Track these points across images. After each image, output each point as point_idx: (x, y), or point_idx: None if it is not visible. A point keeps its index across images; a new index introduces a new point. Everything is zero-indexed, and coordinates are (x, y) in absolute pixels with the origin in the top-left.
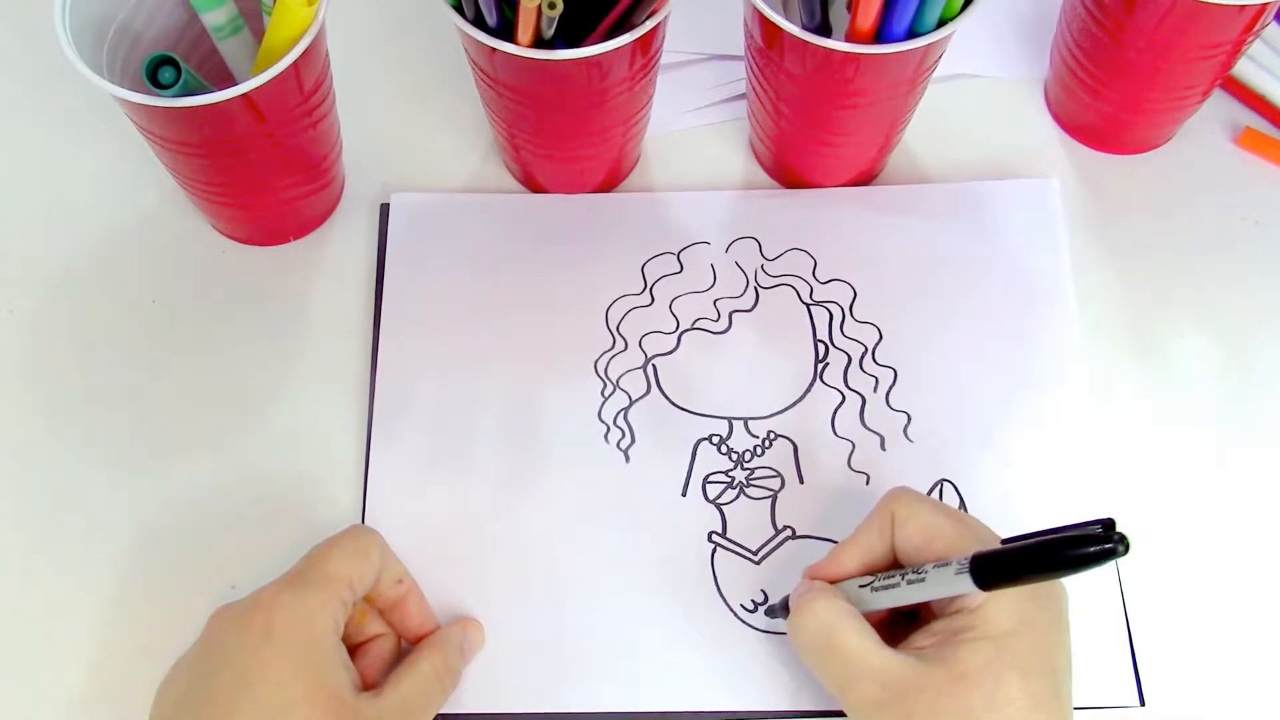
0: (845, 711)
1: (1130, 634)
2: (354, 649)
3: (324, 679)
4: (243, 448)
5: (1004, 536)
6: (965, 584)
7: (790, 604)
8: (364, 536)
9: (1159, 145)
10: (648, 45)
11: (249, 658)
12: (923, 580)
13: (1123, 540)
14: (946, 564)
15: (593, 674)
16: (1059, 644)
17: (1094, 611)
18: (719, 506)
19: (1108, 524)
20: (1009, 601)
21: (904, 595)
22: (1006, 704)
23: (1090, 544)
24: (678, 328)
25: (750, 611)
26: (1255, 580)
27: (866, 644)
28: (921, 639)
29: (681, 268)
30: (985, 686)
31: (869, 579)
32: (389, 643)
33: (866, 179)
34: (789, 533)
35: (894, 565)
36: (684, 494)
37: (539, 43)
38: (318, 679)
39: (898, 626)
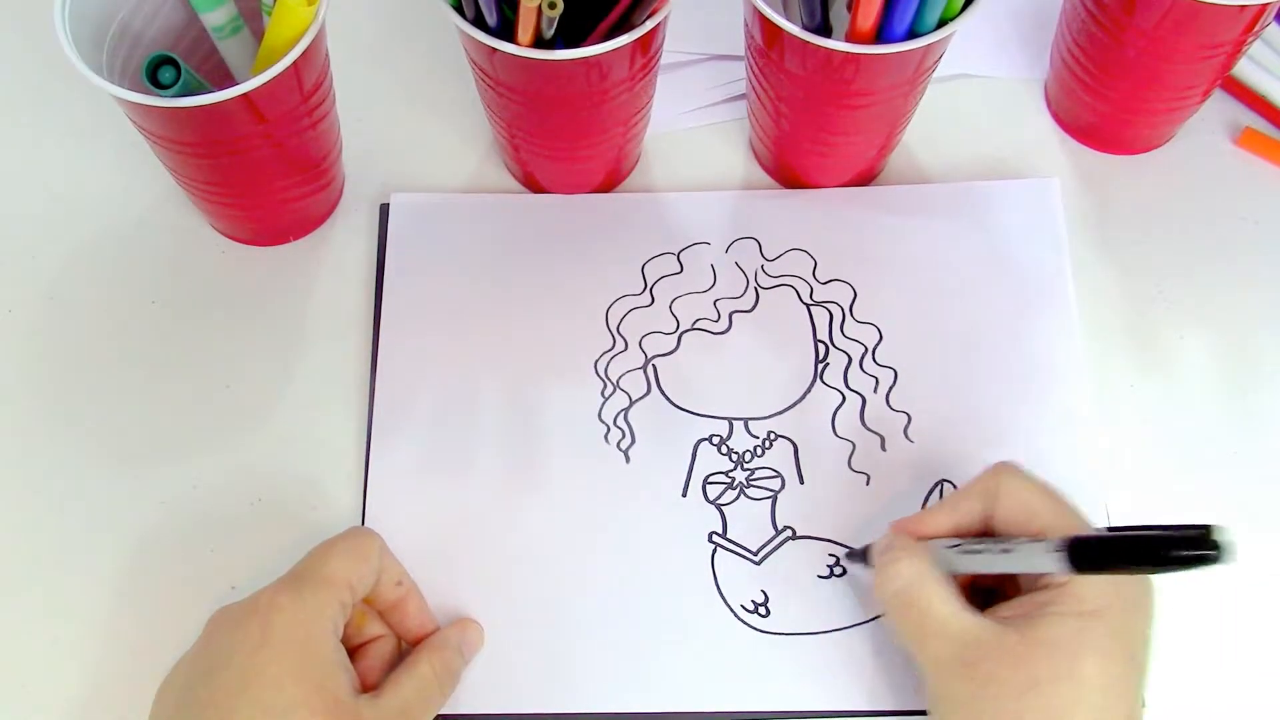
0: (918, 666)
1: None
2: (353, 650)
3: (322, 682)
4: (243, 448)
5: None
6: (1054, 563)
7: (874, 554)
8: (363, 538)
9: (1159, 145)
10: (648, 45)
11: (247, 659)
12: (1011, 552)
13: (1224, 548)
14: (1038, 541)
15: (592, 674)
16: (1140, 635)
17: None
18: (719, 507)
19: (1207, 530)
20: (1098, 584)
21: (991, 563)
22: (1079, 682)
23: (1191, 546)
24: (678, 328)
25: (750, 611)
26: (1255, 580)
27: (951, 605)
28: (1006, 609)
29: (681, 268)
30: (1061, 661)
31: (955, 542)
32: (389, 644)
33: (866, 179)
34: (789, 533)
35: (983, 534)
36: (684, 494)
37: (539, 43)
38: (316, 682)
39: (974, 594)
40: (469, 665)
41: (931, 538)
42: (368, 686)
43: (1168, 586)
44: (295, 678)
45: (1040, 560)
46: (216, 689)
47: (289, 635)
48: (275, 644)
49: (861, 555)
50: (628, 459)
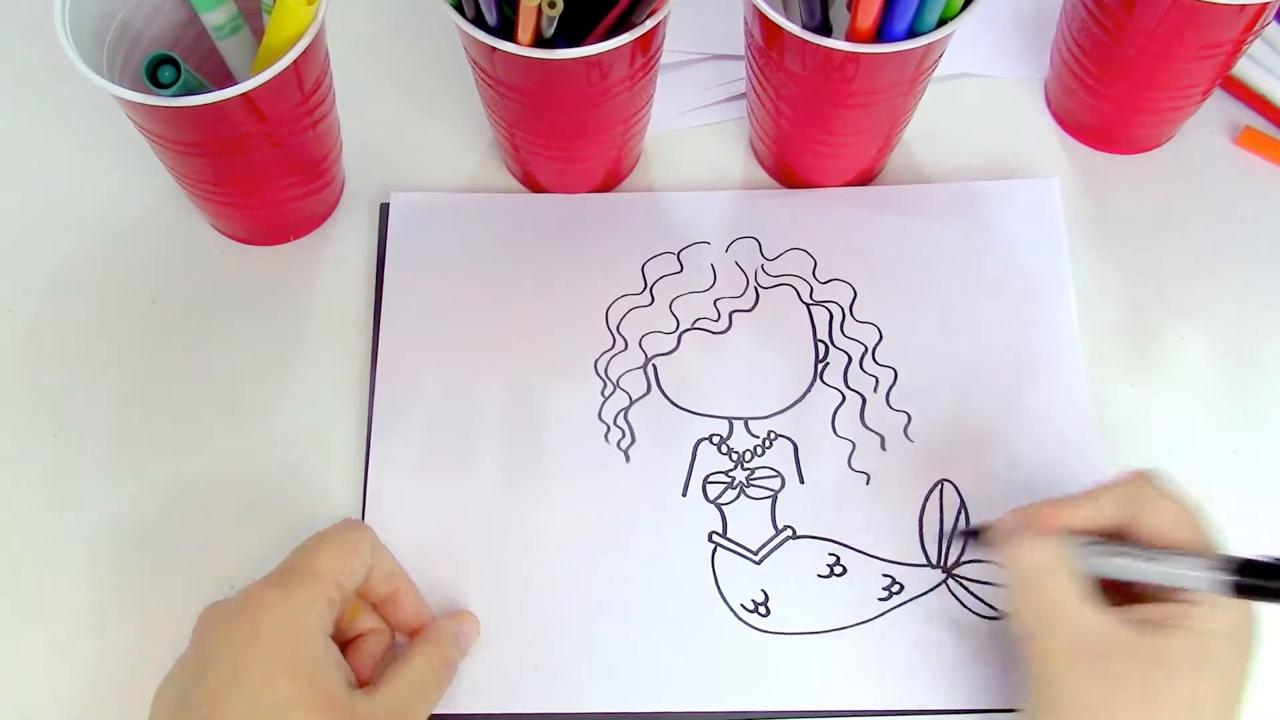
0: (1031, 652)
1: None
2: (346, 644)
3: (314, 678)
4: (242, 447)
5: None
6: (1210, 581)
7: (999, 534)
8: (355, 532)
9: (1159, 145)
10: (648, 45)
11: (238, 657)
12: (1158, 562)
13: None
14: (1193, 556)
15: (593, 674)
16: (1248, 664)
17: None
18: (719, 506)
19: None
20: (1230, 607)
21: (1130, 569)
22: (1196, 701)
23: None
24: (678, 327)
25: (750, 611)
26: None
27: (1087, 599)
28: (1136, 613)
29: (681, 267)
30: (1183, 674)
31: (1091, 540)
32: (382, 638)
33: (866, 179)
34: (789, 533)
35: (1112, 536)
36: (684, 494)
37: (539, 42)
38: (308, 679)
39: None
40: (466, 658)
41: (1064, 531)
42: (362, 681)
43: None
44: (287, 675)
45: (1194, 575)
46: (209, 687)
47: (277, 632)
48: (264, 641)
49: (973, 535)
50: (628, 458)
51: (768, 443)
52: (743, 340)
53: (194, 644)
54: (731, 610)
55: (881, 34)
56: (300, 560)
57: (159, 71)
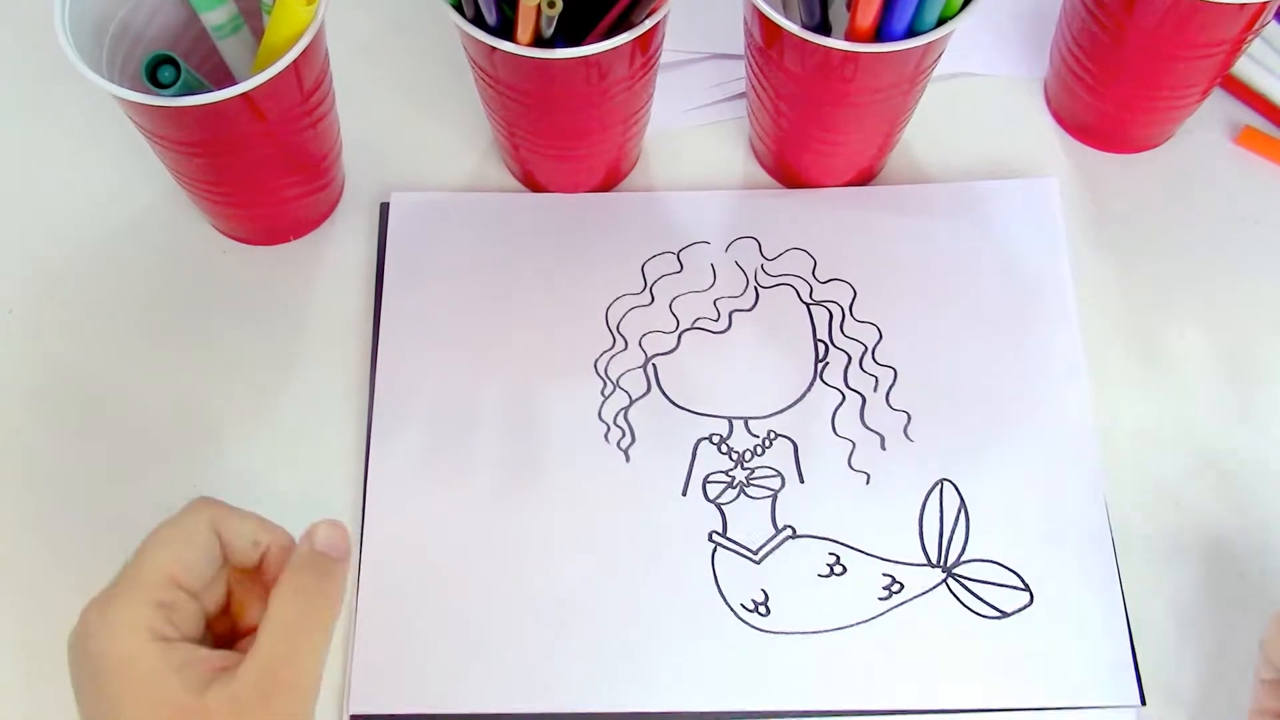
0: None
1: (1130, 634)
2: (245, 635)
3: (153, 695)
4: (242, 448)
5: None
6: None
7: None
8: (187, 518)
9: (1159, 145)
10: (647, 44)
11: (88, 699)
12: None
13: None
14: None
15: (593, 674)
16: None
17: (1094, 611)
18: (719, 506)
19: None
20: None
21: None
22: None
23: None
24: (678, 327)
25: (750, 611)
26: (1256, 580)
27: None
28: None
29: (681, 267)
30: None
31: None
32: None
33: (866, 178)
34: (789, 532)
35: None
36: (684, 494)
37: (539, 42)
38: (147, 699)
39: None
40: (466, 658)
41: None
42: None
43: (1168, 586)
44: (130, 701)
45: None
46: None
47: (109, 659)
48: (100, 670)
49: None
50: (628, 458)
51: (768, 442)
52: (743, 340)
53: (70, 673)
54: (731, 610)
55: (881, 33)
56: (126, 568)
57: (159, 71)
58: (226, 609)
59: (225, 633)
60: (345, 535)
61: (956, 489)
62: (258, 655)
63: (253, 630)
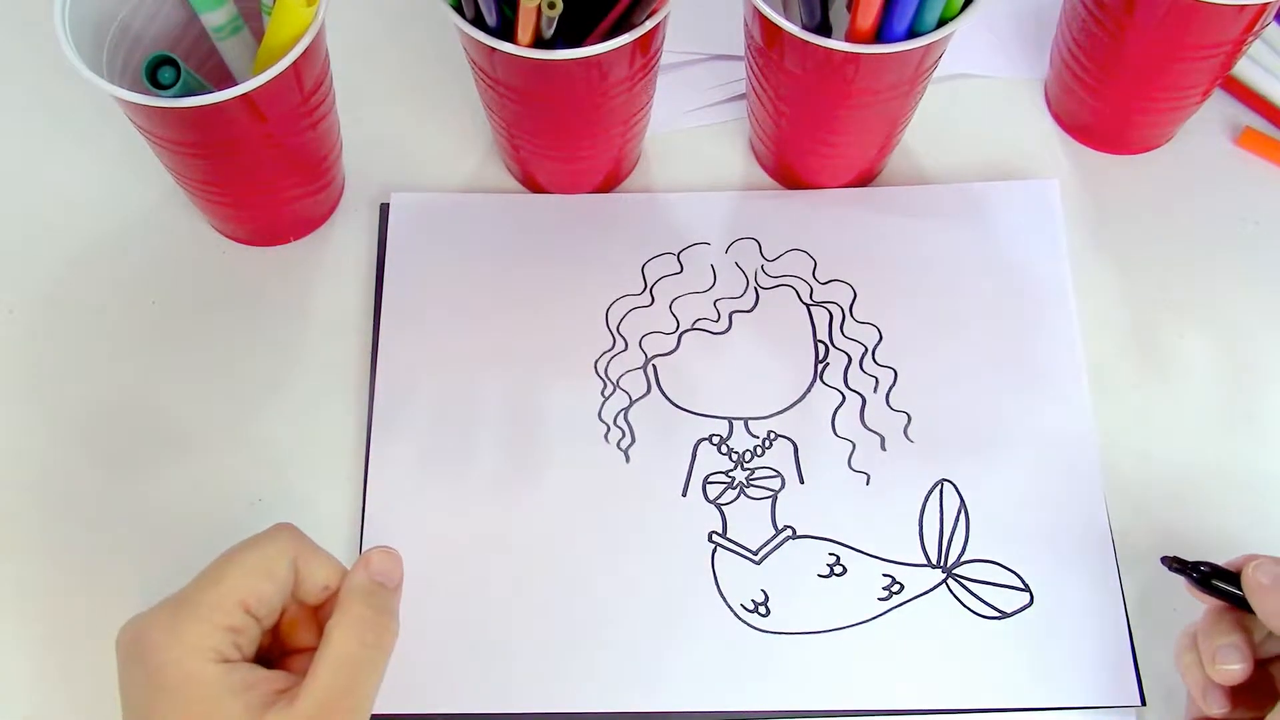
0: None
1: (1130, 634)
2: (291, 654)
3: (210, 716)
4: (242, 448)
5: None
6: None
7: (1260, 578)
8: (271, 547)
9: (1159, 145)
10: (648, 45)
11: (141, 704)
12: None
13: None
14: None
15: (592, 673)
16: None
17: (1094, 611)
18: (719, 506)
19: None
20: None
21: None
22: None
23: None
24: (678, 328)
25: (750, 611)
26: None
27: None
28: None
29: (681, 268)
30: None
31: None
32: None
33: (866, 179)
34: (789, 533)
35: None
36: (684, 494)
37: (539, 43)
38: (203, 718)
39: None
40: (466, 657)
41: None
42: None
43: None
44: (187, 718)
45: None
46: None
47: (169, 675)
48: (158, 687)
49: (1204, 577)
50: (628, 459)
51: (768, 443)
52: (743, 340)
53: (119, 676)
54: (731, 610)
55: (881, 34)
56: (199, 586)
57: (159, 72)
58: (275, 626)
59: (269, 645)
60: (399, 564)
61: (956, 489)
62: (316, 687)
63: (301, 650)
